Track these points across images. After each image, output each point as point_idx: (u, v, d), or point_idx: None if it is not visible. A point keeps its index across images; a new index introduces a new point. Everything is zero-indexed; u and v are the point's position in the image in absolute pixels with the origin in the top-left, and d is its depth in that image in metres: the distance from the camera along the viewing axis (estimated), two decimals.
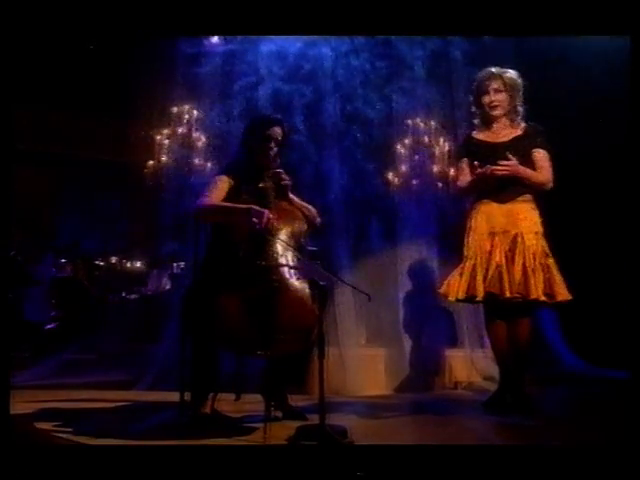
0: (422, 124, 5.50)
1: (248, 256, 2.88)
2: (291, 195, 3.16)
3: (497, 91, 3.44)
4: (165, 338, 4.54)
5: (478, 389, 4.39)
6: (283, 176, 3.09)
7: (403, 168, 5.61)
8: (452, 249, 4.80)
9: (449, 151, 5.53)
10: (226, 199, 3.07)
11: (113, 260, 8.47)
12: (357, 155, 5.13)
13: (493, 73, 3.49)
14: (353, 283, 4.72)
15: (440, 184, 5.47)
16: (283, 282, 2.87)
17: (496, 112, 3.46)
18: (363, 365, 4.54)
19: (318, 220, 3.30)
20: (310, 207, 3.26)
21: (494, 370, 4.15)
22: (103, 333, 5.26)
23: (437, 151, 5.57)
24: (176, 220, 4.84)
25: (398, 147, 5.56)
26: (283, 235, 3.03)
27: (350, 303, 4.65)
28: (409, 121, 5.49)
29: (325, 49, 5.10)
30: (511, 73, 3.51)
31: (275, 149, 3.16)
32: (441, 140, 5.59)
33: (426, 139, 5.55)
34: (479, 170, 3.34)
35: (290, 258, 2.99)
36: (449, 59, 5.07)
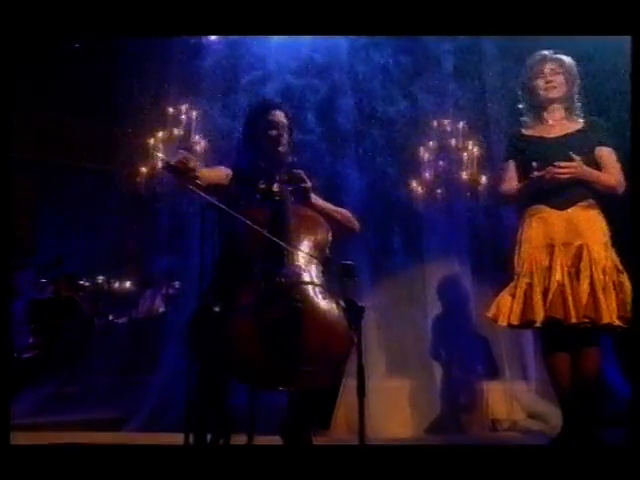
0: (450, 125, 5.20)
1: (265, 272, 2.60)
2: (315, 198, 2.91)
3: (554, 72, 3.21)
4: (161, 368, 4.29)
5: (523, 429, 4.11)
6: (302, 177, 2.85)
7: (429, 174, 5.30)
8: (488, 265, 4.60)
9: (479, 156, 5.24)
10: (234, 201, 2.79)
11: (100, 279, 8.19)
12: (377, 159, 4.95)
13: (547, 56, 3.26)
14: (374, 305, 4.53)
15: (471, 192, 5.15)
16: (308, 302, 2.55)
17: (553, 94, 3.20)
18: (384, 399, 4.22)
19: (356, 225, 3.05)
20: (342, 210, 3.02)
21: (541, 406, 4.03)
22: (89, 363, 4.94)
23: (466, 156, 5.26)
24: (173, 233, 4.64)
25: (423, 150, 5.25)
26: (305, 246, 2.74)
27: (370, 325, 4.36)
28: (435, 122, 5.21)
29: (341, 41, 4.89)
30: (568, 58, 3.24)
31: (282, 136, 2.97)
32: (470, 143, 5.27)
33: (454, 142, 5.23)
34: (536, 173, 3.01)
35: (315, 273, 2.69)
36: (480, 53, 4.86)
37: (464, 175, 5.26)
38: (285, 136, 2.97)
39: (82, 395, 4.67)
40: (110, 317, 7.10)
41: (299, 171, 2.86)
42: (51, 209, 8.06)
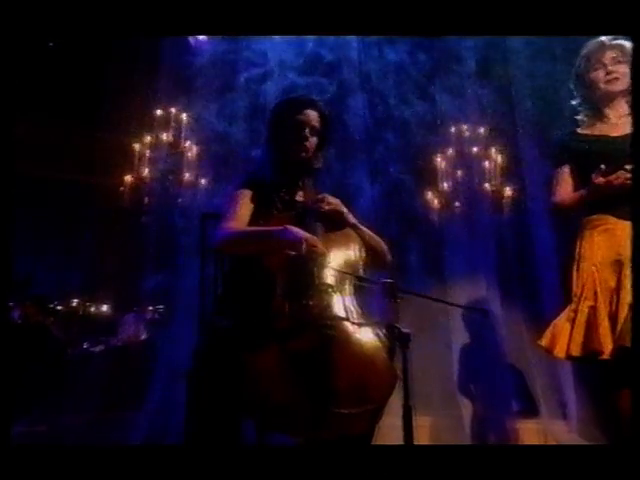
0: (471, 130, 5.17)
1: (288, 293, 2.31)
2: (352, 220, 2.59)
3: (616, 61, 2.88)
4: (148, 404, 4.03)
5: None
6: (325, 205, 2.52)
7: (447, 184, 5.23)
8: (518, 286, 4.39)
9: (504, 164, 5.15)
10: (253, 217, 2.53)
11: (74, 302, 7.93)
12: (391, 167, 4.81)
13: (606, 42, 2.94)
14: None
15: (495, 204, 5.05)
16: (341, 330, 2.27)
17: (615, 86, 2.87)
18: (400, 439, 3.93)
19: (389, 259, 2.69)
20: (378, 239, 2.66)
21: None
22: (62, 398, 4.61)
23: (490, 164, 5.17)
24: (162, 249, 4.44)
25: (441, 158, 5.24)
26: (335, 263, 2.45)
27: None
28: (455, 126, 5.20)
29: (352, 37, 4.76)
30: (631, 43, 2.93)
31: (312, 139, 2.63)
32: (494, 150, 5.19)
33: (476, 149, 5.17)
34: (600, 179, 2.69)
35: (348, 295, 2.41)
36: (506, 49, 4.65)
37: (487, 186, 5.13)
38: (314, 140, 2.64)
39: (56, 435, 4.34)
40: (85, 345, 6.79)
41: (324, 196, 2.56)
42: (21, 224, 7.83)
